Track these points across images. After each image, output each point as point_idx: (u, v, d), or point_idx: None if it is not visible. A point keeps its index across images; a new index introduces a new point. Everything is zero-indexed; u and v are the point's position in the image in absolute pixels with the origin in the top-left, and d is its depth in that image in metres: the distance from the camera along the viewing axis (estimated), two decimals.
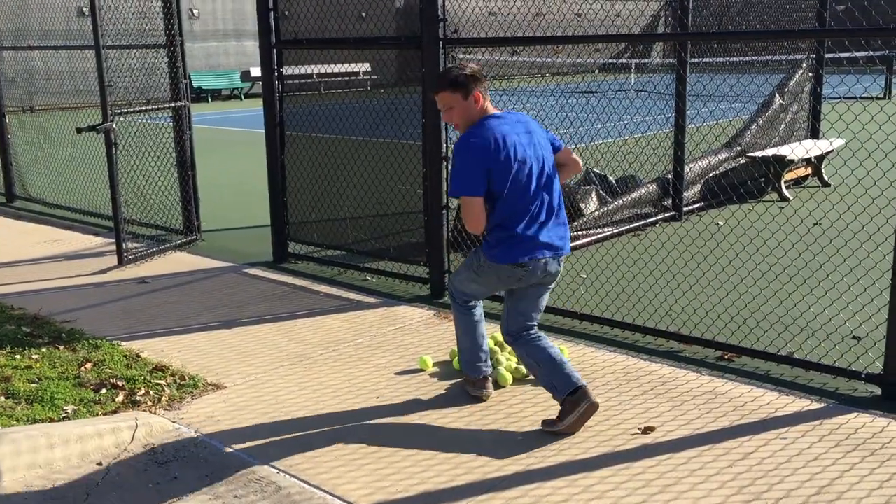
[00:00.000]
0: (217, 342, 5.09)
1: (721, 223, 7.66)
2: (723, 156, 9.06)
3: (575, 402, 3.74)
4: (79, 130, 6.62)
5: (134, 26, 7.12)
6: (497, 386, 4.31)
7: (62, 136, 9.22)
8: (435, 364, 4.64)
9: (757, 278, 6.04)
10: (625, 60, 28.82)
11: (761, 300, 5.59)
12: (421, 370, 4.59)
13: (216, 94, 28.97)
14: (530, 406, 4.10)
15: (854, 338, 4.90)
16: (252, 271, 6.67)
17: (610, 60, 29.54)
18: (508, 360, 4.48)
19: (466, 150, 3.69)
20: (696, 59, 8.74)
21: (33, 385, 4.41)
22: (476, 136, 3.70)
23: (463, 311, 4.15)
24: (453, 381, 4.42)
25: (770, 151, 9.00)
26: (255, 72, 28.47)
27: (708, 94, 6.93)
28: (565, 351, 4.68)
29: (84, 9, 7.00)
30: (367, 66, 7.26)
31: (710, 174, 8.84)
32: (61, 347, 4.96)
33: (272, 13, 6.61)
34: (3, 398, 4.25)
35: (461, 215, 3.79)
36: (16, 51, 9.75)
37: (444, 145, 5.75)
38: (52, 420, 4.00)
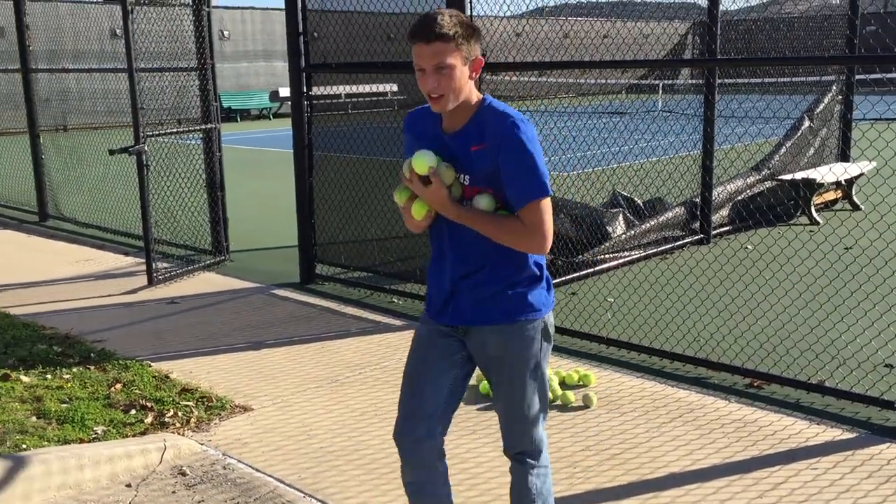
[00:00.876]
0: (245, 363, 5.13)
1: (750, 247, 7.60)
2: (752, 179, 9.01)
3: None
4: (111, 153, 6.71)
5: (166, 48, 7.24)
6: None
7: (94, 155, 9.35)
8: None
9: (787, 304, 5.98)
10: (652, 81, 28.78)
11: (791, 327, 5.53)
12: None
13: (245, 114, 29.33)
14: (557, 432, 4.08)
15: (887, 366, 4.84)
16: (280, 292, 6.71)
17: (637, 81, 29.51)
18: (559, 375, 4.65)
19: (533, 135, 2.58)
20: (725, 80, 8.70)
21: (64, 405, 4.46)
22: (525, 119, 2.62)
23: (544, 462, 2.86)
24: (479, 406, 4.41)
25: (800, 175, 8.93)
26: (284, 92, 28.80)
27: (738, 118, 6.90)
28: (591, 377, 4.66)
29: (117, 30, 7.12)
30: (394, 87, 7.33)
31: (739, 197, 8.78)
32: (92, 367, 5.02)
33: (301, 36, 6.69)
34: (34, 418, 4.30)
35: (539, 230, 2.57)
36: (51, 73, 9.93)
37: None
38: (82, 441, 4.04)
